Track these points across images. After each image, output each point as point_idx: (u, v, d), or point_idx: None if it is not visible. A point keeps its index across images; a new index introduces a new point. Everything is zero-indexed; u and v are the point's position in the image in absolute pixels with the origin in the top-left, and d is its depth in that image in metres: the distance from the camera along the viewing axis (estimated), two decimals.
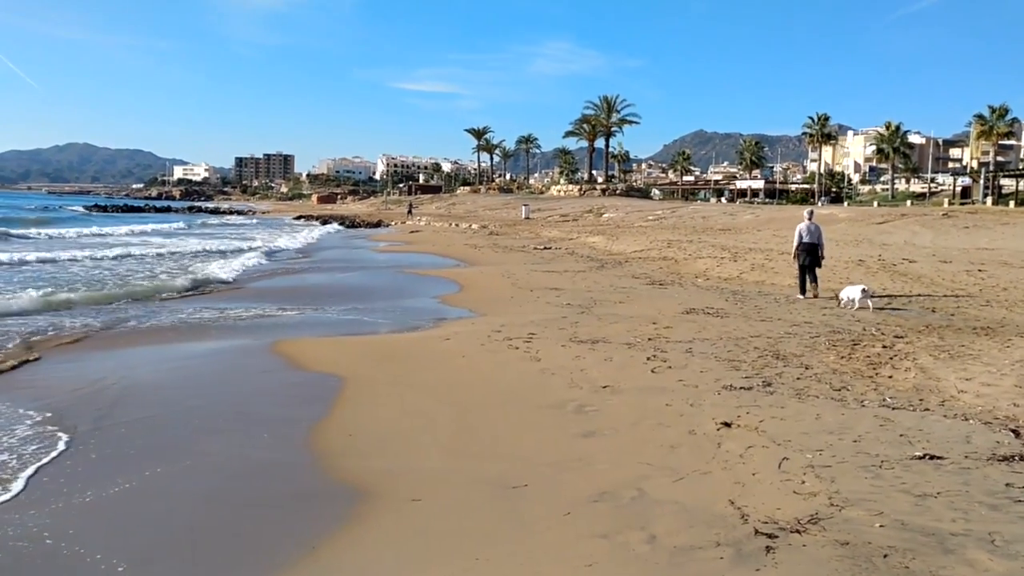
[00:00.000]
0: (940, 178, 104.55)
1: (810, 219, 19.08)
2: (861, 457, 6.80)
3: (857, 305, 15.99)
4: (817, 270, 18.76)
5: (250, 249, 35.75)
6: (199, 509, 6.29)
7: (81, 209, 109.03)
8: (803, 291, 18.41)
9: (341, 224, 73.09)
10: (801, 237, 18.64)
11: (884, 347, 11.87)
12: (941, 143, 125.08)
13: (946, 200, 75.57)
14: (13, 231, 47.16)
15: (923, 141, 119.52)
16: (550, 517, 5.85)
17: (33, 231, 49.14)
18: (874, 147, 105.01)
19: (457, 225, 63.02)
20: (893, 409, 8.48)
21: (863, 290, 16.23)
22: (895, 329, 13.55)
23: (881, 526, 5.38)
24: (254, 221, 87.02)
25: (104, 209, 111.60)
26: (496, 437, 7.91)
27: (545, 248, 37.19)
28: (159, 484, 6.76)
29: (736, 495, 6.07)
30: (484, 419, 8.54)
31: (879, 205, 72.07)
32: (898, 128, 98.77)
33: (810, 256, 18.51)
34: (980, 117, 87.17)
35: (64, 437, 7.86)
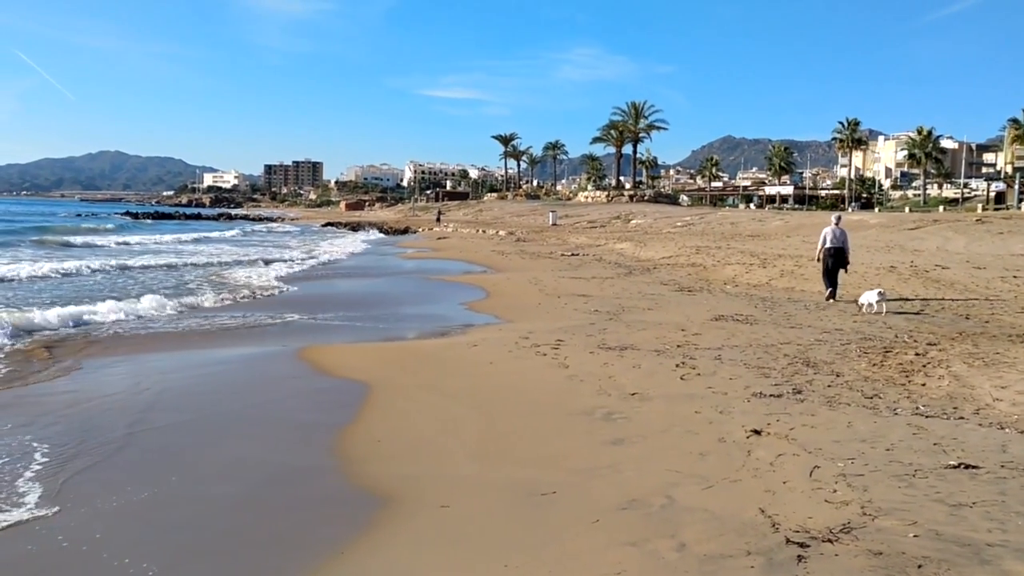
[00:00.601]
0: (973, 183, 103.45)
1: (837, 224, 19.45)
2: (894, 466, 6.71)
3: (876, 309, 16.24)
4: (842, 273, 19.23)
5: (289, 259, 35.76)
6: (229, 514, 6.31)
7: (126, 217, 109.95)
8: (832, 295, 18.65)
9: (369, 231, 73.50)
10: (826, 241, 19.08)
11: (917, 354, 11.73)
12: (974, 148, 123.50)
13: (980, 206, 74.78)
14: (76, 240, 47.55)
15: (956, 146, 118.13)
16: (579, 524, 5.82)
17: (104, 239, 49.75)
18: (906, 152, 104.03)
19: (484, 231, 63.13)
20: (926, 417, 8.37)
21: (879, 293, 16.49)
22: (928, 336, 13.40)
23: (915, 536, 5.30)
24: (288, 228, 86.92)
25: (136, 216, 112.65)
26: (524, 444, 7.88)
27: (572, 254, 37.16)
28: (189, 489, 6.79)
29: (767, 503, 6.01)
30: (512, 426, 8.51)
31: (911, 211, 71.33)
32: (930, 133, 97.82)
33: (836, 260, 18.95)
34: (1015, 121, 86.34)
35: (98, 442, 7.94)
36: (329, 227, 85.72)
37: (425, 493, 6.58)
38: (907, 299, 17.89)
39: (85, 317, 15.74)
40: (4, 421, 8.55)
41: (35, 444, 7.78)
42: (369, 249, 48.08)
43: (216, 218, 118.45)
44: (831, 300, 18.42)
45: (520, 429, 8.37)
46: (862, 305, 16.69)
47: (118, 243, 47.91)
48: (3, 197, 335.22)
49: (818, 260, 19.61)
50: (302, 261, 35.00)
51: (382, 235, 68.24)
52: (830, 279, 18.92)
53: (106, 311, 16.37)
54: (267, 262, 33.48)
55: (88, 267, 28.29)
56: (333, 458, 7.58)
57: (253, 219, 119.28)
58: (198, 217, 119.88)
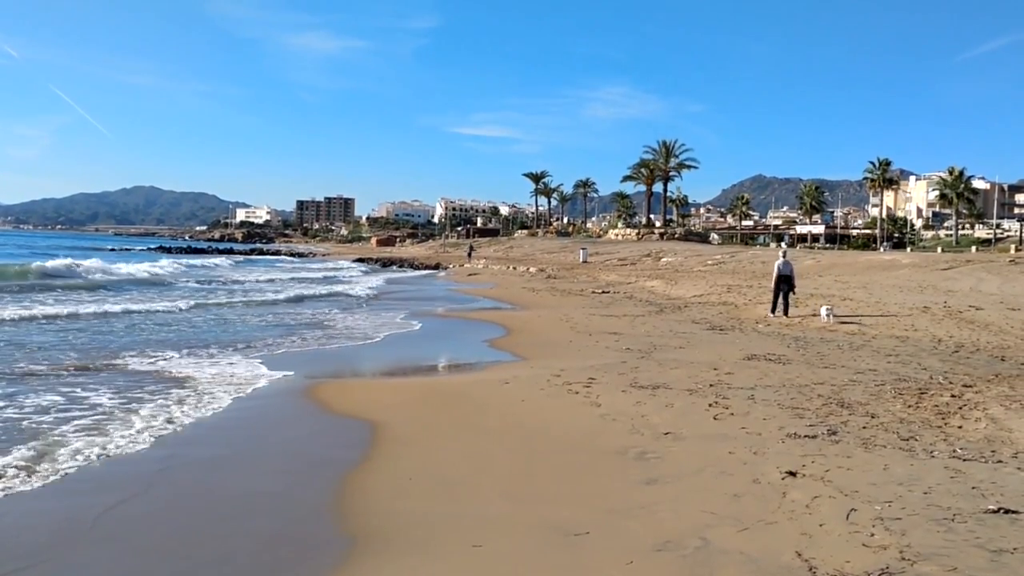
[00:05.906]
0: (1006, 224, 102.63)
1: (784, 257, 25.03)
2: (932, 510, 6.63)
3: (826, 322, 21.40)
4: (791, 295, 24.39)
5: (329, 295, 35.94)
6: (263, 550, 6.32)
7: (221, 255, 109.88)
8: (774, 310, 24.04)
9: (400, 267, 73.77)
10: (779, 270, 24.23)
11: (953, 396, 11.60)
12: (1006, 188, 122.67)
13: (1012, 246, 74.10)
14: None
15: (987, 186, 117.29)
16: (612, 566, 5.79)
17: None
18: (937, 192, 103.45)
19: (515, 268, 63.22)
20: (964, 460, 8.26)
21: (827, 309, 22.31)
22: (963, 378, 13.25)
23: None
24: (328, 265, 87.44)
25: (169, 251, 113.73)
26: (557, 483, 7.86)
27: (603, 292, 37.11)
28: (222, 526, 6.85)
29: (803, 546, 5.95)
30: (544, 464, 8.50)
31: (943, 251, 70.72)
32: (961, 173, 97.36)
33: (786, 284, 24.18)
34: None
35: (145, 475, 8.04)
36: (363, 263, 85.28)
37: (459, 532, 6.58)
38: (836, 313, 21.92)
39: None
40: None
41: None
42: (401, 287, 48.17)
43: (248, 253, 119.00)
44: (772, 314, 23.79)
45: (553, 468, 8.36)
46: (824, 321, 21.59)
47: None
48: (38, 231, 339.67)
49: (774, 284, 24.84)
50: (348, 296, 35.07)
51: (413, 271, 68.25)
52: (780, 299, 24.08)
53: None
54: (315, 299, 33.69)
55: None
56: (365, 496, 7.58)
57: (284, 254, 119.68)
58: (231, 251, 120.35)
